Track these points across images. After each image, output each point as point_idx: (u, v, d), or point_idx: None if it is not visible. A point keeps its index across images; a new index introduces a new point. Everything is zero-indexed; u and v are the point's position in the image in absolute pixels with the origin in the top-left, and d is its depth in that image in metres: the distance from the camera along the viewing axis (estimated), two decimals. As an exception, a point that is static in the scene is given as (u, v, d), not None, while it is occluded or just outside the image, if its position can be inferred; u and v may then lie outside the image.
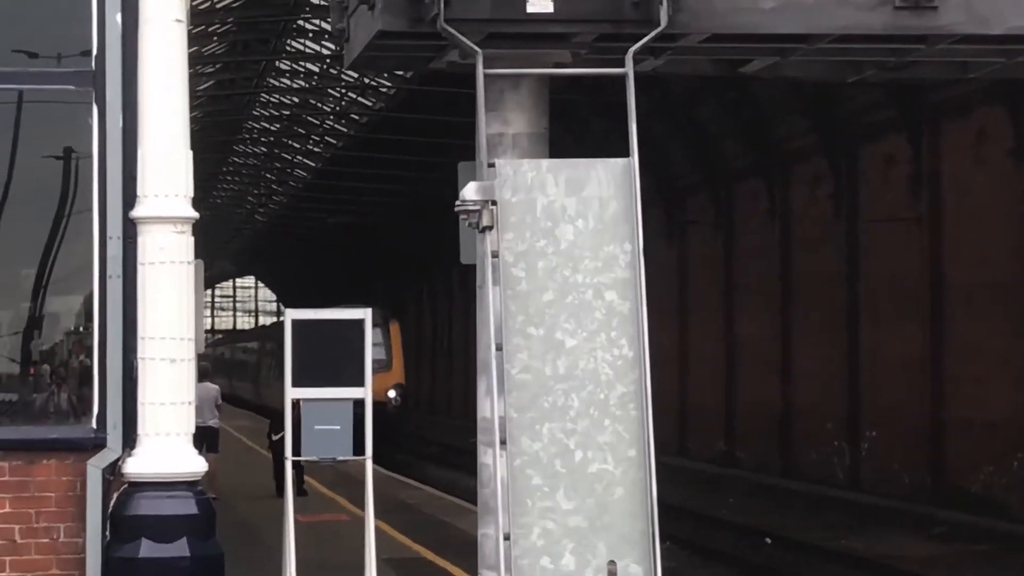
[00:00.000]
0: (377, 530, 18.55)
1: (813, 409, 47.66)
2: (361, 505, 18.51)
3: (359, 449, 18.37)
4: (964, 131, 41.60)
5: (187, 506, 16.27)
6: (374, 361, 48.56)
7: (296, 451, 17.96)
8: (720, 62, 10.14)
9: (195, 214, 16.58)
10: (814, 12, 9.89)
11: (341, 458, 18.85)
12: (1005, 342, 37.47)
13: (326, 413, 18.09)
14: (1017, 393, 37.27)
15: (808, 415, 48.09)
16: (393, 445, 43.98)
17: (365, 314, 18.76)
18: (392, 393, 48.32)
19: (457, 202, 9.17)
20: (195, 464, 16.42)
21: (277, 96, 69.55)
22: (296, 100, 72.51)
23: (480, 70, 9.23)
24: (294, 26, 58.86)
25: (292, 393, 17.75)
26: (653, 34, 9.26)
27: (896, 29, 9.90)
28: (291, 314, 18.48)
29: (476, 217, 9.04)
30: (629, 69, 9.18)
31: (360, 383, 18.36)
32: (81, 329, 17.28)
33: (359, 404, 18.61)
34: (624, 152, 9.05)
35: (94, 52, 16.75)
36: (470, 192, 9.14)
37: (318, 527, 19.42)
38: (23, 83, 17.15)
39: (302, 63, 63.05)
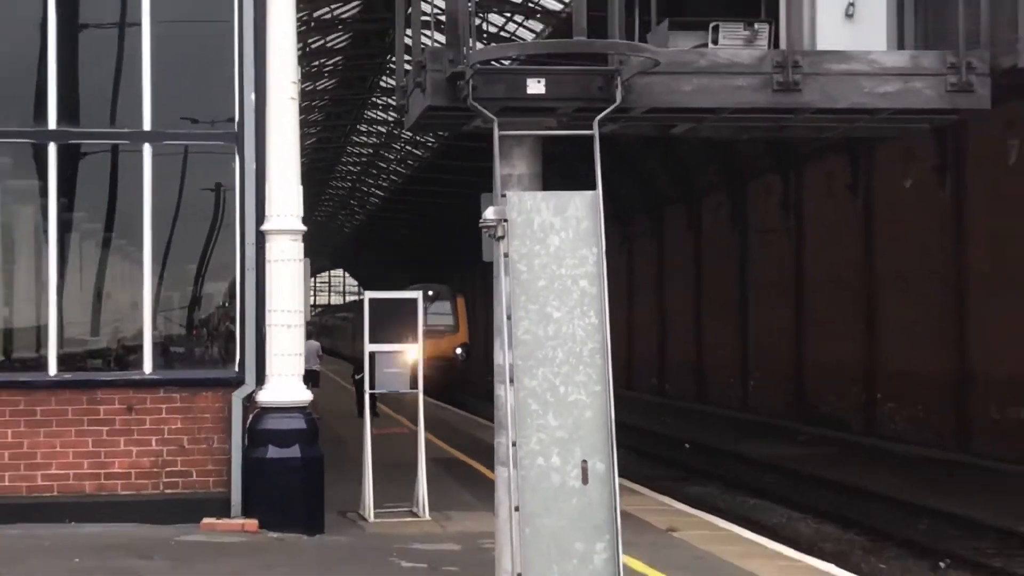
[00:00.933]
0: (426, 440, 18.37)
1: (717, 360, 47.75)
2: (416, 422, 18.30)
3: (414, 385, 18.02)
4: (818, 172, 41.50)
5: (299, 423, 16.32)
6: (444, 326, 47.86)
7: (372, 386, 17.84)
8: (657, 126, 10.08)
9: (303, 228, 16.44)
10: (719, 93, 9.78)
11: (402, 391, 18.59)
12: (845, 315, 37.49)
13: (391, 361, 17.93)
14: (854, 346, 37.22)
15: (713, 364, 48.19)
16: (460, 388, 42.69)
17: (417, 295, 18.63)
18: (459, 350, 47.15)
19: (481, 220, 9.06)
20: (304, 395, 16.38)
21: (358, 148, 69.94)
22: (370, 150, 72.70)
23: (496, 132, 9.10)
24: (369, 101, 58.74)
25: (369, 347, 17.56)
26: (611, 108, 9.10)
27: (774, 104, 9.77)
28: (368, 294, 18.32)
29: (494, 230, 8.96)
30: (595, 132, 9.07)
31: (412, 339, 18.03)
32: (227, 305, 17.22)
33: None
34: (594, 186, 9.00)
35: (236, 119, 16.63)
36: (489, 213, 9.04)
37: (386, 437, 19.28)
38: (189, 140, 17.29)
39: (375, 126, 63.38)
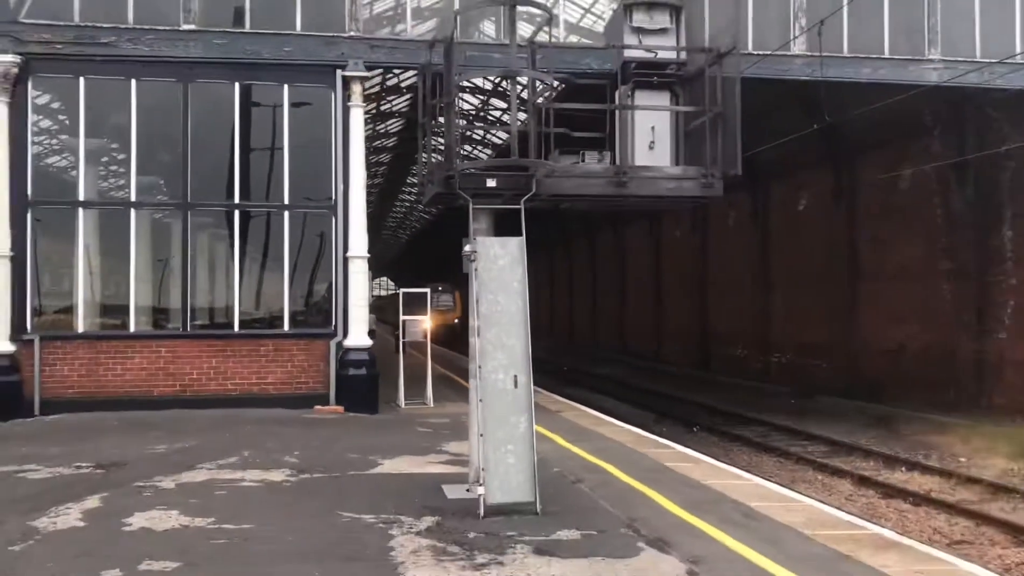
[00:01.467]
0: (431, 367, 18.32)
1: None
2: (426, 357, 18.16)
3: (426, 337, 18.19)
4: (641, 227, 41.04)
5: (365, 356, 16.75)
6: (448, 307, 49.40)
7: (404, 336, 17.76)
8: (556, 204, 9.99)
9: (367, 255, 17.12)
10: (585, 187, 9.77)
11: (420, 339, 18.56)
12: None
13: (415, 325, 17.92)
14: (649, 316, 36.77)
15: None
16: (456, 341, 43.12)
17: (427, 290, 18.98)
18: (456, 320, 47.76)
19: (463, 252, 9.03)
20: (368, 341, 17.02)
21: (399, 204, 67.14)
22: (405, 209, 70.34)
23: (471, 207, 9.19)
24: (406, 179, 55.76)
25: (404, 317, 17.48)
26: (529, 194, 9.21)
27: (614, 193, 9.77)
28: (402, 291, 18.50)
29: (470, 256, 8.92)
30: (522, 207, 9.11)
31: (425, 314, 18.12)
32: (328, 295, 17.24)
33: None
34: (520, 233, 8.97)
35: (332, 198, 17.09)
36: (467, 248, 9.08)
37: (410, 362, 19.18)
38: (308, 209, 17.32)
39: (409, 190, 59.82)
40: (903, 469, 18.15)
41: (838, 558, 7.96)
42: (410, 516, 9.01)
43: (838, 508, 11.72)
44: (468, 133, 42.86)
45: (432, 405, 17.72)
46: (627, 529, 8.66)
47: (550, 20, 9.68)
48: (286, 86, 16.56)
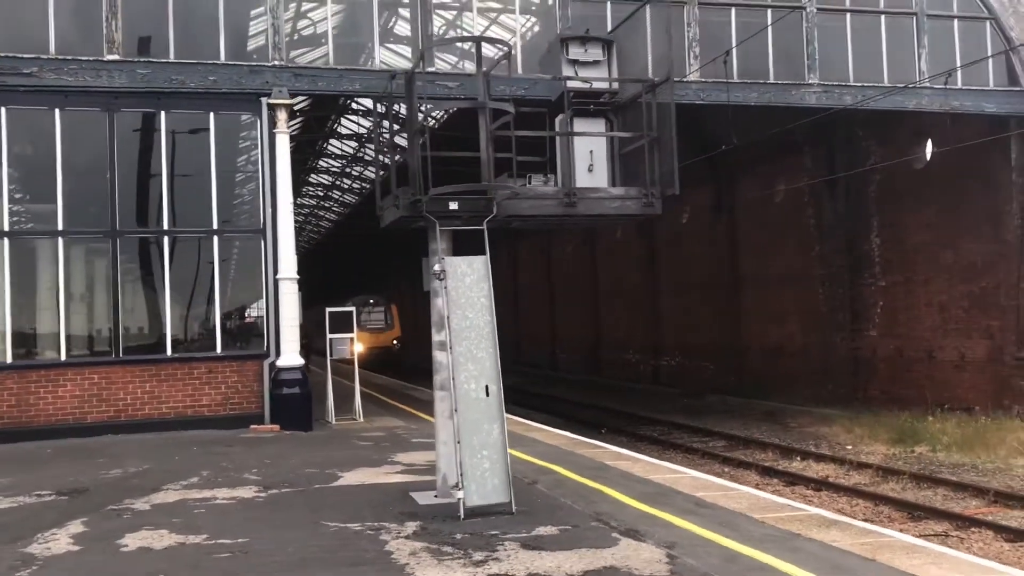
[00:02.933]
0: (361, 390, 18.43)
1: (533, 339, 46.04)
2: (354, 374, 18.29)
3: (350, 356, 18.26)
4: (574, 240, 41.60)
5: (298, 375, 16.75)
6: (384, 324, 44.04)
7: (332, 355, 17.83)
8: (508, 222, 10.32)
9: (297, 277, 16.96)
10: (538, 207, 10.17)
11: (348, 357, 18.55)
12: (624, 312, 36.95)
13: (341, 343, 17.97)
14: (631, 330, 36.92)
15: (531, 342, 46.45)
16: (395, 369, 39.27)
17: (352, 309, 19.16)
18: (395, 341, 43.95)
19: (433, 270, 9.32)
20: (300, 361, 16.97)
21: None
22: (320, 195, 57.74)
23: (437, 228, 9.43)
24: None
25: (330, 336, 17.58)
26: (491, 216, 9.58)
27: (564, 212, 10.18)
28: (328, 309, 18.40)
29: (440, 275, 9.24)
30: (484, 228, 9.47)
31: (351, 332, 18.25)
32: (260, 316, 17.35)
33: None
34: (483, 252, 9.35)
35: (262, 223, 17.05)
36: (437, 267, 9.40)
37: (338, 383, 19.20)
38: (237, 234, 17.60)
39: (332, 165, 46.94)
40: (799, 458, 19.23)
41: (792, 536, 8.60)
42: (393, 523, 9.25)
43: (772, 494, 12.53)
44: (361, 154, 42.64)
45: (362, 420, 17.86)
46: (597, 523, 9.13)
47: (508, 55, 10.12)
48: (212, 114, 16.54)
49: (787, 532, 8.70)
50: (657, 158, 10.60)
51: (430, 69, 16.38)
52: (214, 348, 16.64)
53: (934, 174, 22.46)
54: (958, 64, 19.92)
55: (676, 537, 8.48)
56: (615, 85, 11.25)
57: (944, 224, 22.62)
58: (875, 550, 8.02)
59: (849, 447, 19.99)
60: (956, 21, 20.10)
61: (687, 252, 32.11)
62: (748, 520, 9.21)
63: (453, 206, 9.90)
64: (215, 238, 16.71)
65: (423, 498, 10.33)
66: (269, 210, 16.64)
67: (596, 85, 11.26)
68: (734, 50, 18.35)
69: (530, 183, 10.65)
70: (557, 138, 10.88)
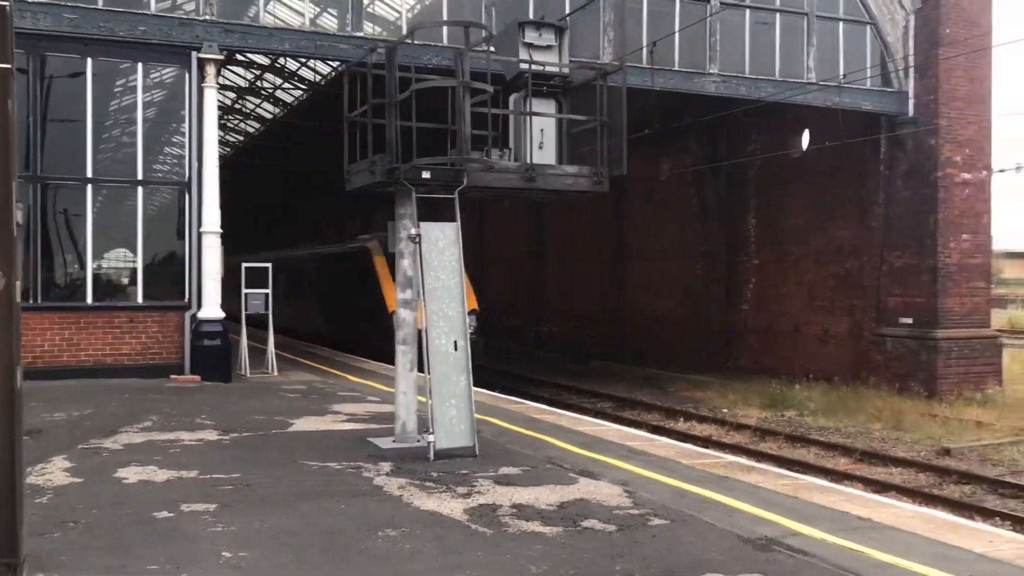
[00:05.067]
0: (275, 351, 18.91)
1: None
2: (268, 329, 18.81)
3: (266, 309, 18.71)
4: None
5: (218, 327, 16.99)
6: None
7: (247, 309, 18.31)
8: (483, 193, 11.04)
9: (220, 231, 17.18)
10: (503, 180, 10.98)
11: (262, 311, 18.65)
12: (509, 280, 37.01)
13: (256, 298, 18.42)
14: (515, 297, 37.23)
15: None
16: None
17: (268, 264, 19.10)
18: None
19: (411, 233, 10.18)
20: (221, 314, 17.08)
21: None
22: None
23: (413, 195, 10.27)
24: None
25: (245, 292, 18.07)
26: (462, 186, 10.40)
27: (525, 186, 11.05)
28: (245, 264, 18.80)
29: (416, 238, 10.08)
30: (456, 196, 10.34)
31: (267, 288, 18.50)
32: (183, 268, 17.39)
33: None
34: (454, 219, 10.22)
35: (188, 176, 17.32)
36: (413, 231, 10.22)
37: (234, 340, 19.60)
38: (163, 184, 17.99)
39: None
40: (683, 419, 20.99)
41: (722, 479, 9.99)
42: (368, 463, 10.11)
43: (692, 445, 14.01)
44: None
45: (276, 375, 18.27)
46: (552, 465, 10.29)
47: (489, 37, 11.00)
48: (140, 64, 16.62)
49: (716, 475, 10.09)
50: (607, 140, 11.80)
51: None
52: (136, 298, 16.82)
53: (810, 163, 24.55)
54: (840, 61, 21.99)
55: (626, 477, 9.75)
56: (565, 69, 12.36)
57: (816, 210, 24.78)
58: (795, 490, 9.51)
59: (725, 410, 21.92)
60: (841, 24, 22.23)
61: (573, 225, 33.66)
62: (679, 465, 10.58)
63: (426, 175, 10.78)
64: (139, 189, 16.80)
65: (383, 443, 11.23)
66: (195, 163, 16.82)
67: (548, 68, 12.35)
68: (654, 44, 19.78)
69: (489, 157, 11.64)
70: (511, 116, 11.91)
